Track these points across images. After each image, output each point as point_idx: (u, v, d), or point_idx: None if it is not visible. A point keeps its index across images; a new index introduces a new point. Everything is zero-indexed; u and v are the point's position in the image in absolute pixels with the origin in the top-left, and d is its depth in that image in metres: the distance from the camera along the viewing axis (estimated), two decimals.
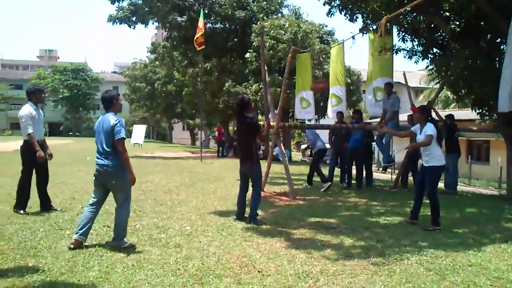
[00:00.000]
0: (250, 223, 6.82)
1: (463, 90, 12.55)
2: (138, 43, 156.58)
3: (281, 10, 26.80)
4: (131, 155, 18.70)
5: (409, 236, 6.16)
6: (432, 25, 12.11)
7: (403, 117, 12.38)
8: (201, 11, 18.87)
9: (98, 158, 5.41)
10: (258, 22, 23.07)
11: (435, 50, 12.57)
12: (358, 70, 29.01)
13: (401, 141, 12.61)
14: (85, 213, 5.57)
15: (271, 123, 9.90)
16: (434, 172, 6.84)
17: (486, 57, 10.91)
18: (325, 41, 24.86)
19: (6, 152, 21.80)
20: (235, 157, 23.48)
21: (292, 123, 12.03)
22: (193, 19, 22.58)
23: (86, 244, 5.46)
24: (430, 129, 6.73)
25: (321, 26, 25.79)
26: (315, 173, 11.64)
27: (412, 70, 35.29)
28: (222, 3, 23.94)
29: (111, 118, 5.35)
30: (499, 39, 11.21)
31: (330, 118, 12.98)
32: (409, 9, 9.43)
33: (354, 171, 11.82)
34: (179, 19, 24.42)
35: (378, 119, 12.95)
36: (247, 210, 7.14)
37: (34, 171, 7.46)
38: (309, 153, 37.32)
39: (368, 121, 28.38)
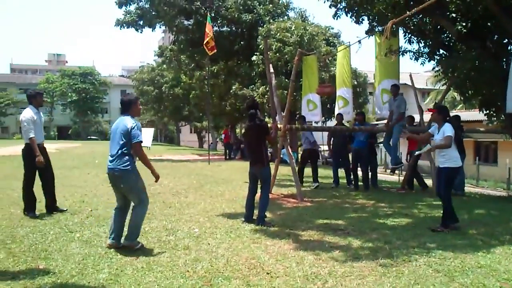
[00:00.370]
0: (258, 225, 6.85)
1: (470, 91, 12.50)
2: (146, 46, 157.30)
3: (287, 13, 26.82)
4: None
5: (417, 238, 6.16)
6: (439, 27, 12.08)
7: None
8: (208, 15, 18.92)
9: (108, 161, 5.44)
10: (265, 25, 23.11)
11: (441, 51, 12.53)
12: (365, 72, 28.99)
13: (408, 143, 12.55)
14: (113, 217, 5.62)
15: (279, 126, 9.93)
16: (450, 173, 6.78)
17: (493, 58, 10.87)
18: (331, 44, 24.85)
19: (17, 156, 21.97)
20: (242, 159, 23.53)
21: (299, 125, 12.00)
22: (200, 22, 22.68)
23: (96, 246, 5.52)
24: (449, 129, 6.65)
25: (327, 29, 25.79)
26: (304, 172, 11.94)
27: (418, 71, 35.24)
28: (229, 6, 24.02)
29: (128, 121, 5.34)
30: (506, 40, 11.17)
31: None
32: (415, 11, 9.41)
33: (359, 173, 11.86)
34: (186, 22, 24.52)
35: (385, 121, 12.95)
36: (256, 212, 7.17)
37: (37, 173, 7.51)
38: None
39: (375, 122, 28.41)
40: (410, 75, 11.99)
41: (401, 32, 12.40)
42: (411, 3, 10.59)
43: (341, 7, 12.58)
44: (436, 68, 13.10)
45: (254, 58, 22.16)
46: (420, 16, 11.78)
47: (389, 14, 11.04)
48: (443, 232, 6.52)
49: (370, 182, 11.87)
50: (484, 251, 5.50)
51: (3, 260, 4.97)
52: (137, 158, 5.46)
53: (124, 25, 23.68)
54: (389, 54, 11.65)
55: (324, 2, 12.75)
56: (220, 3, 24.14)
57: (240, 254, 5.27)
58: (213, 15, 22.84)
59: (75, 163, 18.22)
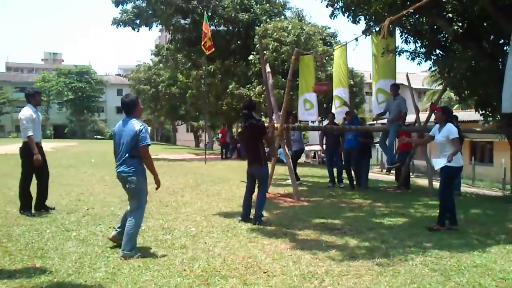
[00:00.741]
0: (255, 224, 6.86)
1: (466, 91, 12.53)
2: (142, 45, 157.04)
3: (284, 13, 26.84)
4: None
5: (414, 237, 6.18)
6: (435, 27, 12.11)
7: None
8: (205, 14, 18.91)
9: (116, 165, 5.37)
10: (261, 25, 23.10)
11: (438, 51, 12.56)
12: (361, 71, 29.07)
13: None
14: (124, 214, 5.59)
15: (275, 125, 9.93)
16: (450, 172, 6.77)
17: (489, 58, 10.91)
18: (328, 43, 24.90)
19: (13, 154, 21.90)
20: (239, 159, 23.52)
21: (296, 124, 12.04)
22: (197, 21, 22.68)
23: (93, 245, 5.52)
24: (453, 131, 6.65)
25: (324, 28, 25.84)
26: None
27: (415, 71, 35.35)
28: (226, 5, 24.01)
29: (135, 124, 5.26)
30: (502, 40, 11.19)
31: (336, 119, 13.02)
32: (412, 11, 9.43)
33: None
34: (182, 21, 24.52)
35: (381, 121, 13.00)
36: (252, 211, 7.18)
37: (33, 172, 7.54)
38: (312, 154, 37.45)
39: (371, 122, 28.49)
40: (407, 75, 12.01)
41: (397, 32, 12.41)
42: (408, 2, 10.61)
43: (338, 6, 12.59)
44: (433, 68, 13.14)
45: (250, 57, 22.16)
46: (417, 16, 11.81)
47: (386, 14, 11.03)
48: (439, 230, 6.54)
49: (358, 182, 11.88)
50: (480, 251, 5.52)
51: None
52: None
53: (121, 24, 23.66)
54: (386, 53, 11.68)
55: (321, 2, 12.75)
56: (217, 2, 24.13)
57: (237, 253, 5.27)
58: (209, 14, 22.81)
59: (71, 162, 18.20)
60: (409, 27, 12.37)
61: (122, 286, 4.23)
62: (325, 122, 22.18)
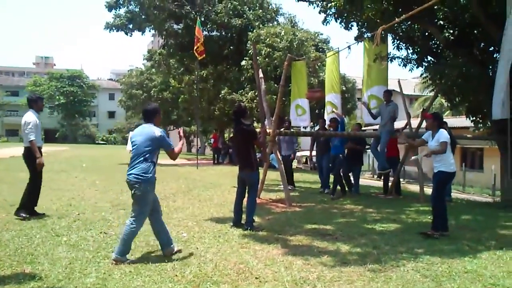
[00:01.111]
0: (247, 230, 6.85)
1: (457, 98, 12.63)
2: (135, 50, 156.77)
3: (276, 18, 26.95)
4: (126, 162, 18.70)
5: (405, 243, 6.19)
6: (427, 34, 12.22)
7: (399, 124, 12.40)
8: (198, 19, 18.93)
9: (128, 169, 5.36)
10: (254, 30, 23.18)
11: (429, 58, 12.67)
12: (353, 77, 29.20)
13: (403, 149, 12.60)
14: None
15: (268, 130, 9.94)
16: (443, 177, 6.80)
17: (479, 65, 11.01)
18: (321, 49, 25.04)
19: (3, 158, 21.77)
20: (231, 164, 23.49)
21: (288, 130, 12.05)
22: (190, 26, 22.69)
23: (84, 250, 5.48)
24: (443, 136, 6.71)
25: (316, 34, 26.00)
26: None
27: (406, 78, 35.51)
28: (219, 11, 24.04)
29: (155, 130, 5.33)
30: (492, 48, 11.32)
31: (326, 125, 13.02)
32: (404, 18, 9.50)
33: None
34: (175, 26, 24.53)
35: (373, 127, 13.06)
36: (244, 217, 7.17)
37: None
38: (304, 160, 37.46)
39: (364, 128, 28.52)
40: (399, 81, 12.07)
41: (390, 38, 12.50)
42: (400, 10, 10.69)
43: (331, 13, 12.69)
44: (424, 75, 13.23)
45: (243, 62, 22.21)
46: (409, 23, 11.91)
47: (378, 21, 11.13)
48: (433, 236, 6.55)
49: (348, 188, 11.88)
50: (470, 256, 5.54)
51: None
52: None
53: (114, 28, 23.64)
54: (378, 60, 11.75)
55: (314, 8, 12.83)
56: (210, 8, 24.17)
57: (228, 259, 5.26)
58: (203, 19, 22.85)
59: (63, 167, 18.10)
60: (401, 34, 12.49)
61: None
62: (317, 128, 22.31)
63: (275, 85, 20.28)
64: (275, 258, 5.35)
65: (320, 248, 5.89)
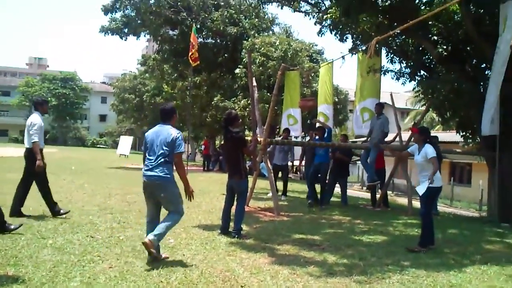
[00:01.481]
0: (234, 238, 6.83)
1: (448, 113, 12.73)
2: (129, 55, 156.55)
3: (272, 28, 27.10)
4: (116, 166, 18.67)
5: (392, 255, 6.20)
6: (420, 48, 12.33)
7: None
8: (194, 26, 18.98)
9: (146, 169, 5.35)
10: (249, 39, 23.27)
11: (422, 72, 12.77)
12: (346, 89, 29.35)
13: (392, 162, 12.64)
14: (146, 231, 5.54)
15: (259, 139, 9.94)
16: (431, 192, 6.80)
17: (471, 81, 11.11)
18: (315, 60, 25.16)
19: None
20: (221, 171, 23.45)
21: (278, 139, 12.06)
22: (185, 33, 22.75)
23: (69, 253, 5.43)
24: (430, 151, 6.69)
25: (311, 45, 26.12)
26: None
27: (398, 91, 35.76)
28: (215, 18, 24.12)
29: (172, 131, 5.35)
30: (484, 65, 11.43)
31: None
32: (399, 31, 9.60)
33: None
34: (171, 32, 24.60)
35: (363, 139, 13.11)
36: (232, 224, 7.15)
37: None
38: (294, 170, 37.48)
39: (354, 139, 28.66)
40: (391, 95, 12.15)
41: (383, 51, 12.61)
42: (395, 23, 10.79)
43: (326, 24, 12.80)
44: (417, 89, 13.32)
45: (237, 71, 22.27)
46: (403, 37, 12.02)
47: (373, 33, 11.23)
48: (420, 251, 6.55)
49: (341, 199, 11.86)
50: (456, 270, 5.56)
51: None
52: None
53: (109, 32, 23.66)
54: (372, 72, 11.84)
55: (310, 19, 12.93)
56: (206, 15, 24.25)
57: (214, 266, 5.24)
58: (198, 26, 22.91)
59: (52, 169, 17.86)
60: (395, 48, 12.60)
61: None
62: (308, 139, 22.36)
63: (268, 94, 20.34)
64: (262, 266, 5.34)
65: (307, 258, 5.89)
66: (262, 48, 21.68)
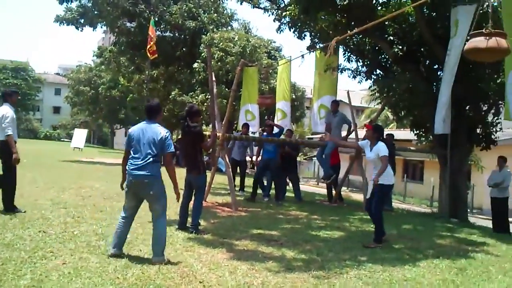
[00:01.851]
0: (192, 233, 6.77)
1: (402, 112, 13.07)
2: (85, 46, 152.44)
3: (231, 23, 27.04)
4: (70, 159, 18.14)
5: (349, 251, 6.31)
6: (377, 48, 12.57)
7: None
8: (152, 19, 18.68)
9: (133, 168, 5.22)
10: (208, 34, 23.15)
11: (378, 71, 13.04)
12: (303, 86, 29.67)
13: (347, 159, 12.87)
14: (117, 227, 5.39)
15: (218, 134, 9.89)
16: (383, 190, 6.92)
17: (425, 81, 11.44)
18: (273, 57, 25.29)
19: None
20: (177, 166, 23.19)
21: (236, 134, 12.04)
22: (143, 25, 22.38)
23: (19, 250, 5.23)
24: (383, 149, 6.78)
25: (269, 42, 26.23)
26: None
27: (354, 89, 36.43)
28: (173, 12, 23.84)
29: (161, 130, 5.26)
30: (437, 66, 11.78)
31: (275, 132, 13.11)
32: (356, 30, 9.76)
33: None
34: (128, 24, 24.12)
35: (319, 135, 13.29)
36: (190, 220, 7.08)
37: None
38: (250, 165, 37.64)
39: (310, 136, 28.99)
40: (348, 93, 12.34)
41: (341, 50, 12.79)
42: (352, 23, 10.96)
43: (285, 22, 12.84)
44: (373, 87, 13.59)
45: (195, 65, 22.11)
46: (360, 36, 12.21)
47: (331, 32, 11.38)
48: (375, 248, 6.67)
49: (294, 194, 11.93)
50: (410, 265, 5.72)
51: None
52: None
53: (64, 22, 22.92)
54: (329, 71, 12.00)
55: (269, 16, 12.97)
56: (165, 8, 23.94)
57: (172, 262, 5.17)
58: (156, 19, 22.58)
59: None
60: (352, 46, 12.80)
61: None
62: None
63: (226, 89, 20.31)
64: (220, 262, 5.32)
65: (265, 254, 5.90)
66: (221, 43, 21.61)
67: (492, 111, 11.69)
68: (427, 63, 12.15)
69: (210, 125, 10.47)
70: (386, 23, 11.36)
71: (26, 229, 6.35)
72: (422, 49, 11.83)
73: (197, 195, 7.16)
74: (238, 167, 12.78)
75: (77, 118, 60.33)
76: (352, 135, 11.97)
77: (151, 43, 17.62)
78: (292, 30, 12.70)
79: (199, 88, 22.79)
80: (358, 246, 6.65)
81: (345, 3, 11.10)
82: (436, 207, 16.85)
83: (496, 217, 11.14)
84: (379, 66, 12.87)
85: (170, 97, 24.89)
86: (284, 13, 12.64)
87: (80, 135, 34.81)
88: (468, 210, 14.11)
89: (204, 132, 7.89)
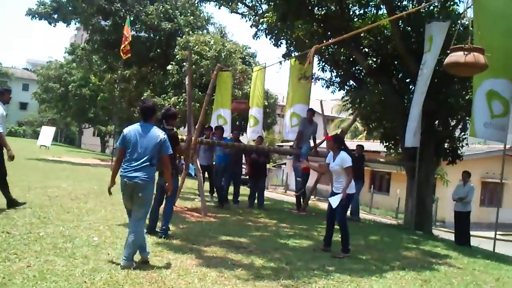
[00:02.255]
0: (161, 238, 6.70)
1: (373, 123, 13.27)
2: (56, 41, 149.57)
3: (207, 27, 26.98)
4: (36, 157, 17.72)
5: (317, 260, 6.36)
6: (351, 59, 12.76)
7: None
8: (128, 18, 18.50)
9: (127, 170, 5.15)
10: (184, 36, 23.05)
11: (352, 82, 13.22)
12: (275, 93, 29.84)
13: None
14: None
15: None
16: (348, 198, 6.97)
17: (397, 94, 11.65)
18: (247, 62, 25.36)
19: None
20: None
21: (206, 139, 11.94)
22: (118, 24, 22.14)
23: None
24: (347, 160, 6.86)
25: (244, 47, 26.31)
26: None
27: (325, 99, 36.83)
28: (149, 12, 23.67)
29: (159, 132, 5.24)
30: (409, 79, 12.02)
31: (248, 137, 13.18)
32: (331, 39, 9.89)
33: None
34: (103, 22, 23.81)
35: (291, 143, 13.38)
36: (159, 224, 7.01)
37: None
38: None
39: (280, 144, 29.12)
40: (321, 102, 12.50)
41: (316, 59, 12.92)
42: (329, 33, 11.10)
43: (262, 28, 12.91)
44: (345, 98, 13.76)
45: (169, 67, 21.98)
46: (335, 46, 12.37)
47: (307, 41, 11.49)
48: (344, 258, 6.72)
49: (257, 201, 12.00)
50: (377, 276, 5.80)
51: None
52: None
53: (37, 16, 22.45)
54: (303, 79, 12.10)
55: (246, 21, 13.02)
56: (141, 8, 23.75)
57: (141, 267, 5.10)
58: (132, 19, 22.35)
59: None
60: (327, 56, 12.95)
61: None
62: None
63: (200, 93, 20.24)
64: (189, 268, 5.28)
65: (234, 261, 5.89)
66: (196, 47, 21.53)
67: (460, 126, 12.00)
68: (399, 76, 12.39)
69: (181, 129, 10.40)
70: (362, 34, 11.55)
71: None
72: (395, 62, 12.06)
73: (169, 199, 7.09)
74: (206, 172, 12.68)
75: (45, 116, 59.07)
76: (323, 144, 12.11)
77: (126, 42, 17.42)
78: (268, 37, 12.79)
79: (172, 90, 22.64)
80: (326, 256, 6.71)
81: (322, 13, 11.25)
82: (401, 218, 17.16)
83: (459, 230, 11.42)
84: (353, 77, 13.06)
85: (142, 98, 24.66)
86: (261, 20, 12.71)
87: (47, 132, 34.04)
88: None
89: (179, 136, 7.85)
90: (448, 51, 6.28)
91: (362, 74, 12.81)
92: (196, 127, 10.65)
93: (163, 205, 7.12)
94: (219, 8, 15.04)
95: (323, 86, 13.53)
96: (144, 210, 5.33)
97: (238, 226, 8.85)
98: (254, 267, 5.67)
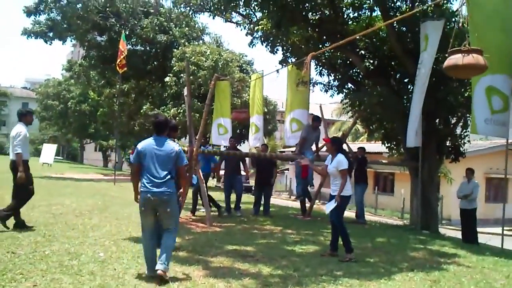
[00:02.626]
0: None
1: (374, 125, 13.25)
2: (53, 59, 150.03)
3: (202, 37, 27.08)
4: (39, 175, 17.68)
5: (325, 265, 6.31)
6: (348, 62, 12.76)
7: None
8: (123, 32, 18.58)
9: (152, 185, 5.17)
10: (180, 47, 23.12)
11: (350, 85, 13.22)
12: (274, 100, 29.84)
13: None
14: (144, 250, 5.40)
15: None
16: (341, 201, 6.92)
17: (396, 95, 11.64)
18: (245, 70, 25.38)
19: None
20: None
21: (207, 149, 11.92)
22: (113, 39, 22.25)
23: None
24: (343, 162, 6.85)
25: (241, 56, 26.35)
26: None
27: (324, 103, 36.85)
28: (144, 25, 23.77)
29: (174, 145, 5.30)
30: (407, 79, 12.02)
31: (251, 145, 13.18)
32: (328, 44, 9.90)
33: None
34: (98, 38, 23.94)
35: (292, 149, 13.37)
36: None
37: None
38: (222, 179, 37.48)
39: (281, 150, 29.09)
40: (320, 106, 12.48)
41: (313, 64, 12.92)
42: (324, 37, 11.11)
43: (257, 36, 12.95)
44: (344, 101, 13.75)
45: (167, 79, 22.03)
46: (332, 50, 12.38)
47: (303, 46, 11.50)
48: (350, 260, 6.68)
49: (263, 208, 11.95)
50: (385, 278, 5.75)
51: None
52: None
53: (32, 35, 22.55)
54: (301, 84, 12.10)
55: (241, 30, 13.05)
56: (136, 22, 23.84)
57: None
58: (127, 33, 22.44)
59: None
60: (324, 61, 12.95)
61: None
62: (241, 148, 22.44)
63: (199, 103, 20.26)
64: (196, 280, 5.25)
65: (242, 270, 5.86)
66: (193, 57, 21.58)
67: (460, 124, 11.98)
68: (397, 77, 12.39)
69: (183, 139, 10.39)
70: (358, 37, 11.56)
71: None
72: (393, 63, 12.06)
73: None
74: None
75: (46, 133, 59.18)
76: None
77: (121, 57, 17.48)
78: (264, 44, 12.83)
79: (171, 102, 22.67)
80: (334, 261, 6.66)
81: (316, 18, 11.26)
82: (407, 219, 17.08)
83: (466, 227, 11.38)
84: (351, 80, 13.05)
85: (142, 111, 24.72)
86: (256, 28, 12.75)
87: (49, 150, 34.12)
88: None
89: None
90: (447, 55, 6.26)
91: (360, 76, 12.81)
92: (197, 137, 10.64)
93: None
94: (214, 18, 15.12)
95: (321, 90, 13.55)
96: (175, 219, 5.43)
97: (244, 234, 8.81)
98: (261, 276, 5.64)
